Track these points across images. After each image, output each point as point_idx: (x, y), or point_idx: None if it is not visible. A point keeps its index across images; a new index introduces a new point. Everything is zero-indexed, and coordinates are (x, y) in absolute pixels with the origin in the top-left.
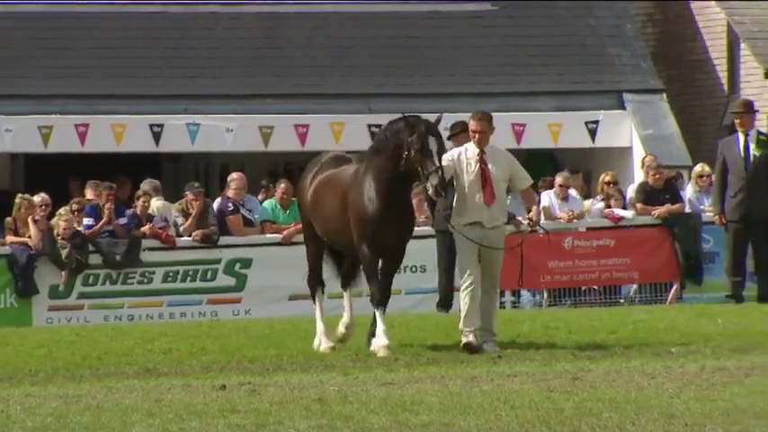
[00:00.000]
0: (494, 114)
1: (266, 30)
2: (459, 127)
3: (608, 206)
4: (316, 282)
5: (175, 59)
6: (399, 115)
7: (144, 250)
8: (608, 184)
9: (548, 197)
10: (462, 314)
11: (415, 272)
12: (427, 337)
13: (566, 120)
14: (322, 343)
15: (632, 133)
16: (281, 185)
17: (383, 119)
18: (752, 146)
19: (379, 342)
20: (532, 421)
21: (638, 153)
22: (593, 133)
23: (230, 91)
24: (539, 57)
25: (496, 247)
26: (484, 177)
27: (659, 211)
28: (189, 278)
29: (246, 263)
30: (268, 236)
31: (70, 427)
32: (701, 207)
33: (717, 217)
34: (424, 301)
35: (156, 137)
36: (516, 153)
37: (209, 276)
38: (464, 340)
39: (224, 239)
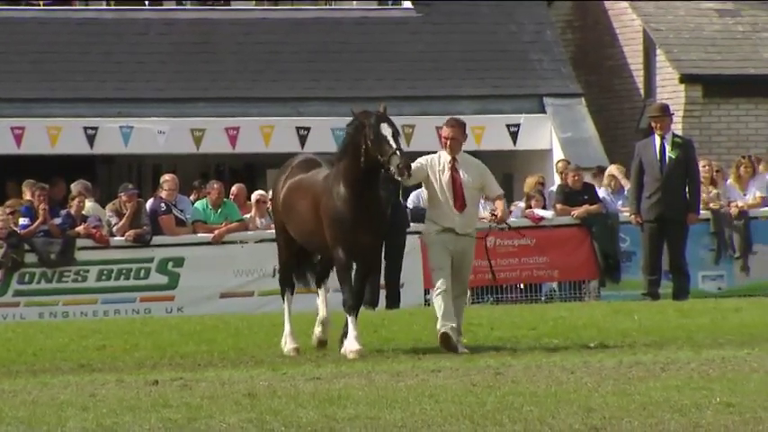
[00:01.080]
0: (417, 118)
1: (198, 35)
2: None
3: (529, 206)
4: (286, 283)
5: (109, 64)
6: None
7: (78, 249)
8: (540, 185)
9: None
10: (438, 314)
11: None
12: None
13: (488, 123)
14: (287, 343)
15: (552, 136)
16: (215, 186)
17: (312, 122)
18: (668, 148)
19: (351, 346)
20: (456, 415)
21: (558, 155)
22: (514, 136)
23: (163, 95)
24: (461, 62)
25: (467, 255)
26: (455, 184)
27: (578, 211)
28: (122, 276)
29: (179, 262)
30: (200, 235)
31: (6, 422)
32: (617, 206)
33: (633, 217)
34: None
35: (91, 139)
36: None
37: (142, 275)
38: (441, 330)
39: (157, 239)
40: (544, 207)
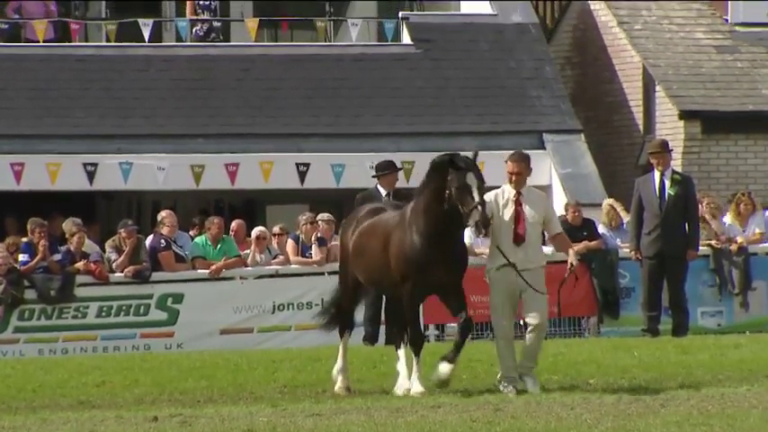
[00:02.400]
0: (417, 154)
1: (197, 72)
2: (384, 168)
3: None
4: (346, 323)
5: (109, 100)
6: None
7: (78, 286)
8: None
9: (469, 234)
10: (500, 366)
11: None
12: (354, 370)
13: (487, 159)
14: (339, 381)
15: (552, 172)
16: (215, 221)
17: (311, 158)
18: (667, 184)
19: (416, 389)
20: None
21: (558, 191)
22: None
23: (162, 131)
24: (460, 98)
25: (536, 288)
26: (517, 218)
27: (578, 247)
28: (122, 313)
29: (178, 298)
30: (199, 271)
31: None
32: (617, 242)
33: (633, 253)
34: (351, 335)
35: (90, 176)
36: None
37: (141, 311)
38: (504, 391)
39: (156, 275)
40: (544, 243)
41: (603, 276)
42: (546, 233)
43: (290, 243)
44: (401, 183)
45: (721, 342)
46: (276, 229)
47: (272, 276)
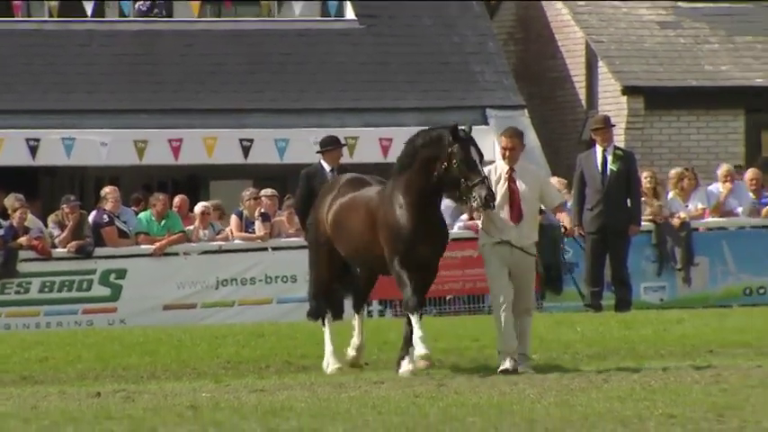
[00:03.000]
0: (360, 129)
1: (141, 47)
2: (328, 143)
3: (471, 218)
4: (326, 304)
5: (52, 75)
6: (424, 127)
7: (20, 261)
8: None
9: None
10: (498, 336)
11: (285, 282)
12: (297, 345)
13: None
14: (330, 364)
15: (495, 147)
16: (160, 198)
17: (255, 133)
18: (609, 160)
19: (418, 351)
20: (399, 426)
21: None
22: None
23: (105, 106)
24: (404, 73)
25: (527, 271)
26: (512, 195)
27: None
28: (65, 288)
29: (121, 273)
30: (142, 247)
31: None
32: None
33: (575, 228)
34: (294, 310)
35: (33, 151)
36: (383, 167)
37: (84, 287)
38: (502, 366)
39: (99, 251)
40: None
41: (546, 252)
42: (546, 206)
43: (233, 219)
44: (345, 158)
45: (664, 317)
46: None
47: (215, 252)
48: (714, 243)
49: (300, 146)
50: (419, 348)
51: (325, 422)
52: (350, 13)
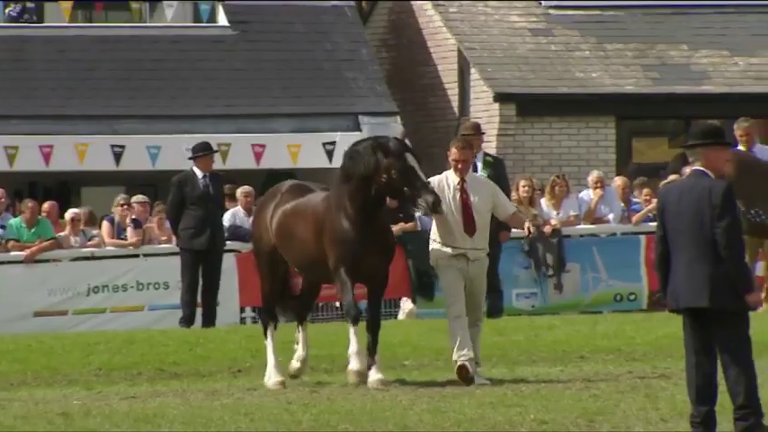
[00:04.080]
0: (234, 136)
1: (11, 52)
2: (200, 150)
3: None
4: (270, 315)
5: None
6: (362, 137)
7: None
8: None
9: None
10: (455, 345)
11: (157, 288)
12: (169, 353)
13: (304, 141)
14: (272, 377)
15: None
16: (29, 204)
17: (127, 140)
18: (479, 167)
19: (352, 365)
20: None
21: None
22: (330, 154)
23: None
24: (278, 80)
25: (480, 281)
26: (464, 207)
27: (394, 229)
28: None
29: None
30: (13, 254)
31: None
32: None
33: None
34: (167, 316)
35: None
36: (256, 173)
37: None
38: (459, 363)
39: None
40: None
41: (418, 258)
42: (499, 217)
43: (105, 225)
44: (218, 164)
45: (535, 323)
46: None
47: (87, 259)
48: (585, 250)
49: (172, 152)
50: (353, 363)
51: (198, 429)
52: (222, 19)
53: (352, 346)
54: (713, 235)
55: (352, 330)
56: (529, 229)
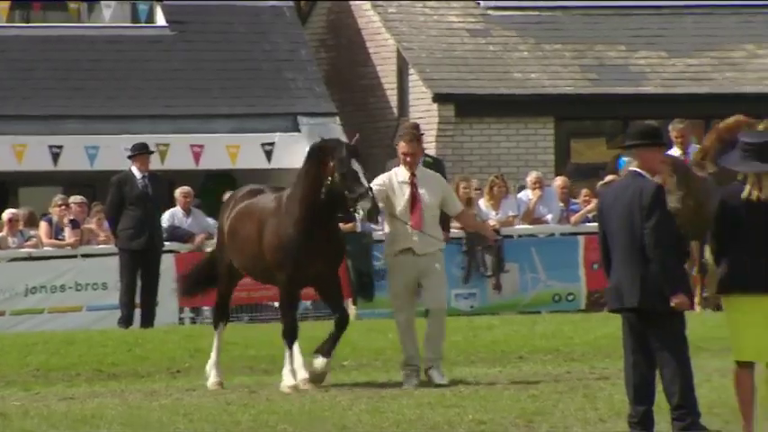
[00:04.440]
0: (172, 136)
1: None
2: (137, 149)
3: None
4: (221, 314)
5: None
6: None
7: None
8: None
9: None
10: (402, 349)
11: (96, 289)
12: (108, 353)
13: (243, 141)
14: (212, 376)
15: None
16: None
17: (65, 140)
18: (419, 167)
19: (286, 382)
20: None
21: None
22: (269, 155)
23: None
24: (216, 81)
25: (434, 272)
26: (413, 201)
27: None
28: None
29: None
30: None
31: None
32: (371, 226)
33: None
34: (105, 317)
35: None
36: (195, 174)
37: None
38: (406, 385)
39: None
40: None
41: (358, 258)
42: (449, 213)
43: (43, 225)
44: (156, 165)
45: (474, 324)
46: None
47: (24, 259)
48: (524, 250)
49: (111, 152)
50: (288, 379)
51: (137, 430)
52: (161, 19)
53: (286, 366)
54: (642, 236)
55: (287, 352)
56: (497, 231)
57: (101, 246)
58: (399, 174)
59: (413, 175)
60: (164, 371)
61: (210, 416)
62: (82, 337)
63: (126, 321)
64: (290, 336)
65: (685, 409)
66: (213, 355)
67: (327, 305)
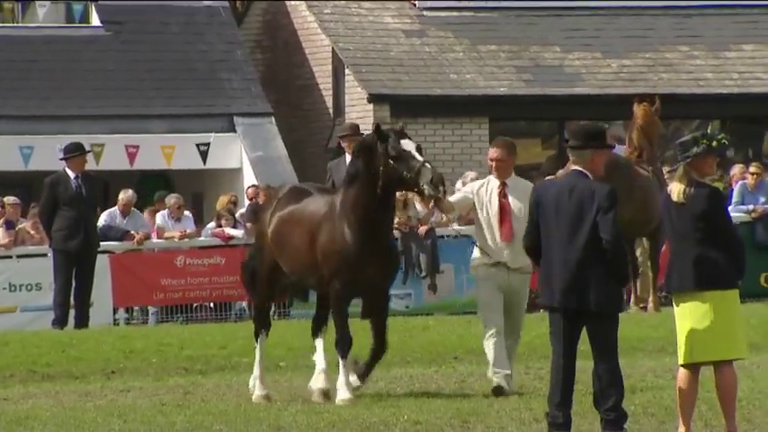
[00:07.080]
0: (107, 137)
1: None
2: (72, 150)
3: (219, 226)
4: (263, 323)
5: None
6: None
7: None
8: (232, 204)
9: (162, 217)
10: (491, 360)
11: (30, 290)
12: (42, 354)
13: (178, 142)
14: (257, 389)
15: (242, 155)
16: None
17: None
18: None
19: (342, 396)
20: None
21: (248, 174)
22: (204, 155)
23: None
24: (151, 81)
25: (520, 294)
26: (502, 211)
27: None
28: None
29: None
30: None
31: None
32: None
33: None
34: (39, 318)
35: None
36: (130, 174)
37: None
38: (495, 382)
39: None
40: (234, 226)
41: None
42: None
43: None
44: (91, 165)
45: (410, 324)
46: None
47: None
48: (460, 250)
49: (45, 153)
50: (344, 392)
51: (71, 431)
52: (95, 19)
53: (341, 377)
54: (593, 235)
55: (341, 363)
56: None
57: (34, 247)
58: (490, 182)
59: (503, 183)
60: (98, 372)
61: (145, 417)
62: (16, 338)
63: (60, 322)
64: (344, 346)
65: (617, 411)
66: (256, 369)
67: (370, 324)
